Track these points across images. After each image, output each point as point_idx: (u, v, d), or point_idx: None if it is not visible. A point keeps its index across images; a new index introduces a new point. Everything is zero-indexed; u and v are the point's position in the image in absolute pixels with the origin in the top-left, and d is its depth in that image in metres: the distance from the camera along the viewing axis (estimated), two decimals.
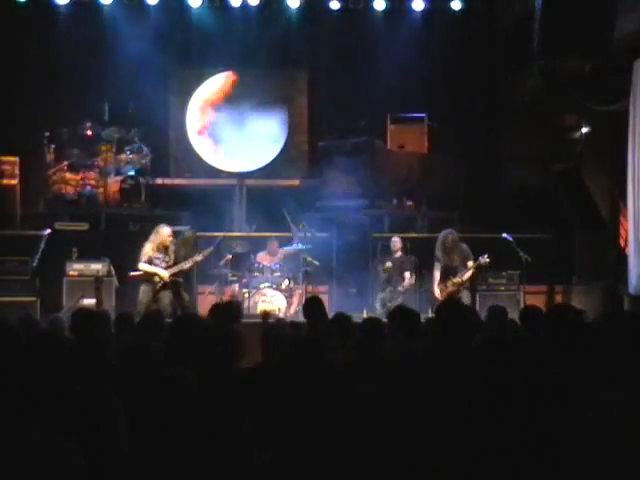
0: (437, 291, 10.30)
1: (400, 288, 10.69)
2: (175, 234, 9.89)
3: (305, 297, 9.56)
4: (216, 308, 6.09)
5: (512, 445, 2.66)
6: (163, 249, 9.59)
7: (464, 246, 10.41)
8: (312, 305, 6.59)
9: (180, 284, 9.71)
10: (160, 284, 9.53)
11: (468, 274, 10.25)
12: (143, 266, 9.56)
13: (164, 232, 9.61)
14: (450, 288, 10.20)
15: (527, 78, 12.32)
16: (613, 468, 2.52)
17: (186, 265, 9.67)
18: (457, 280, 10.20)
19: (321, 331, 5.62)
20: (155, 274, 9.53)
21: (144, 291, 9.54)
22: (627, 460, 2.52)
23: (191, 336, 4.34)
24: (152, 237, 9.64)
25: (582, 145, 13.73)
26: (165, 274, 9.53)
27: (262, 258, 11.00)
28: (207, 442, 2.78)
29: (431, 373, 3.87)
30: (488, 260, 10.16)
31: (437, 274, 10.42)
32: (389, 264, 10.80)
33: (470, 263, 10.24)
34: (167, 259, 9.61)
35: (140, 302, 9.45)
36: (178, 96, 13.92)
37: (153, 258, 9.54)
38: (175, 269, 9.60)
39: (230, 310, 6.12)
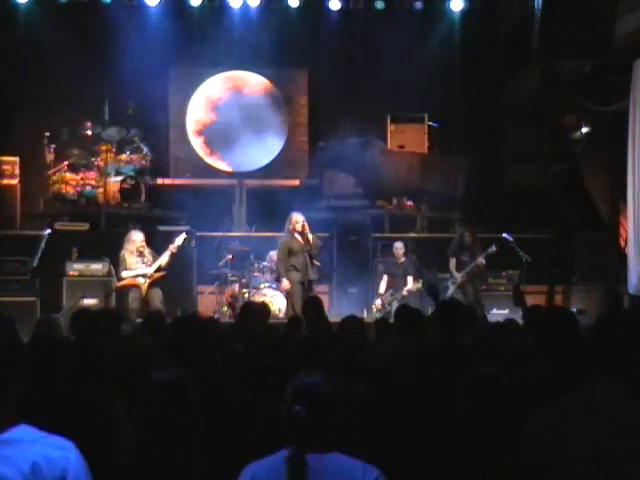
0: (450, 286, 10.61)
1: (404, 292, 10.72)
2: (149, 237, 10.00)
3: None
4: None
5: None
6: (139, 253, 9.70)
7: (478, 244, 10.77)
8: (311, 305, 6.61)
9: (166, 278, 9.76)
10: (147, 283, 9.57)
11: (477, 260, 10.48)
12: (126, 273, 9.65)
13: (137, 238, 9.75)
14: (459, 280, 10.54)
15: (527, 78, 12.32)
16: None
17: (164, 259, 9.70)
18: (465, 271, 10.54)
19: (320, 331, 5.64)
20: (138, 275, 9.60)
21: (133, 298, 9.58)
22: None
23: (192, 335, 4.33)
24: (126, 245, 9.77)
25: (582, 145, 13.74)
26: (148, 270, 9.61)
27: (273, 256, 10.95)
28: (208, 443, 2.77)
29: (430, 370, 3.88)
30: (495, 249, 10.47)
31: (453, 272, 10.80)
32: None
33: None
34: (145, 260, 9.71)
35: (132, 310, 9.45)
36: (178, 96, 13.91)
37: (132, 263, 9.61)
38: (155, 266, 9.66)
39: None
